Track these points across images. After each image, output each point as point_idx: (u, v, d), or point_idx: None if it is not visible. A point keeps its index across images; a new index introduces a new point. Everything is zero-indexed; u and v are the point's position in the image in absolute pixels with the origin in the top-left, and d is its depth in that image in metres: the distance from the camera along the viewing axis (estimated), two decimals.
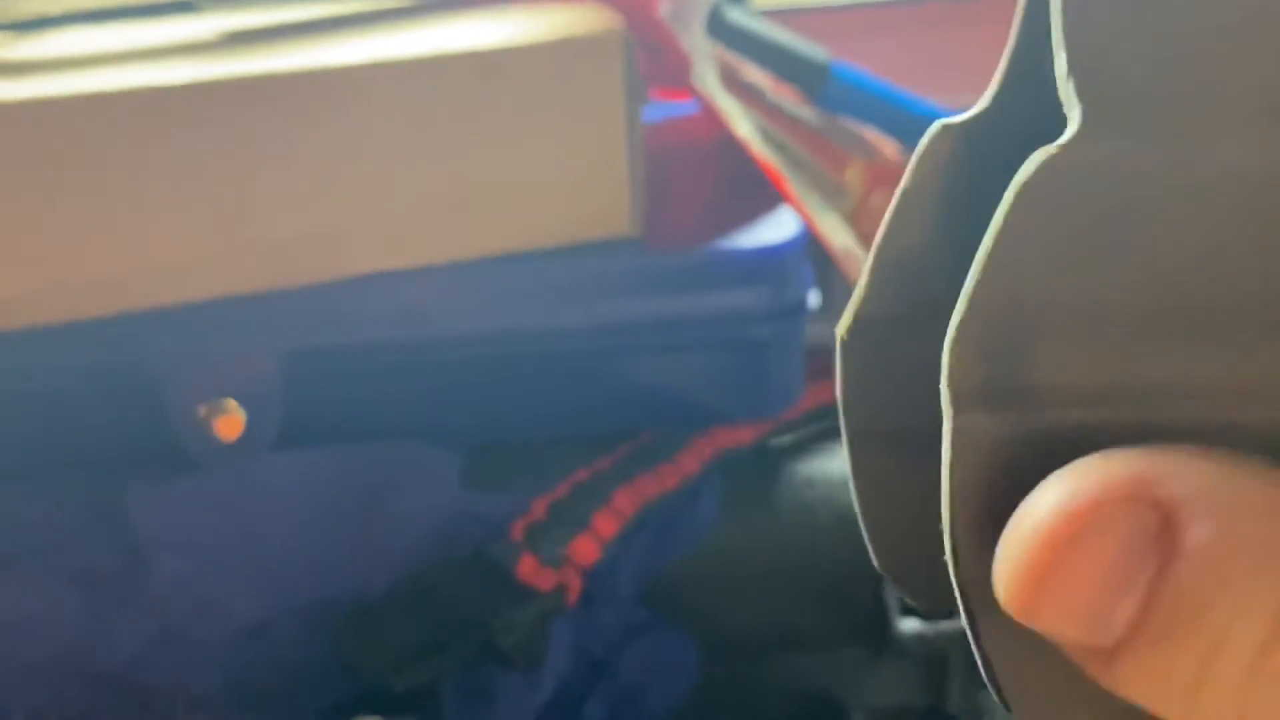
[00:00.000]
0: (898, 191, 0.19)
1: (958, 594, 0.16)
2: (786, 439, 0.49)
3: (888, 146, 0.58)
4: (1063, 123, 0.16)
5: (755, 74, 0.55)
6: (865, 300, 0.19)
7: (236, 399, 0.42)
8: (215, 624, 0.41)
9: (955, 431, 0.15)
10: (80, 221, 0.39)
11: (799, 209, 0.48)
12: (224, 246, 0.41)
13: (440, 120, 0.41)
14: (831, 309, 0.51)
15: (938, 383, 0.16)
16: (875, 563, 0.21)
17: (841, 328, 0.19)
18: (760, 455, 0.48)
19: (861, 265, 0.54)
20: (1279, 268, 0.15)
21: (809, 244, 0.48)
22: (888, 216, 0.19)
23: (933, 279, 0.19)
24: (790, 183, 0.49)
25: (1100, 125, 0.15)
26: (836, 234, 0.51)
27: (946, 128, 0.19)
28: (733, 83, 0.54)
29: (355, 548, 0.42)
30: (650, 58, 0.48)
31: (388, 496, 0.42)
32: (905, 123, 0.58)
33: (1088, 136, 0.15)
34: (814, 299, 0.47)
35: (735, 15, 0.55)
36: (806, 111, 0.56)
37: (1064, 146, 0.15)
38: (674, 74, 0.48)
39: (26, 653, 0.40)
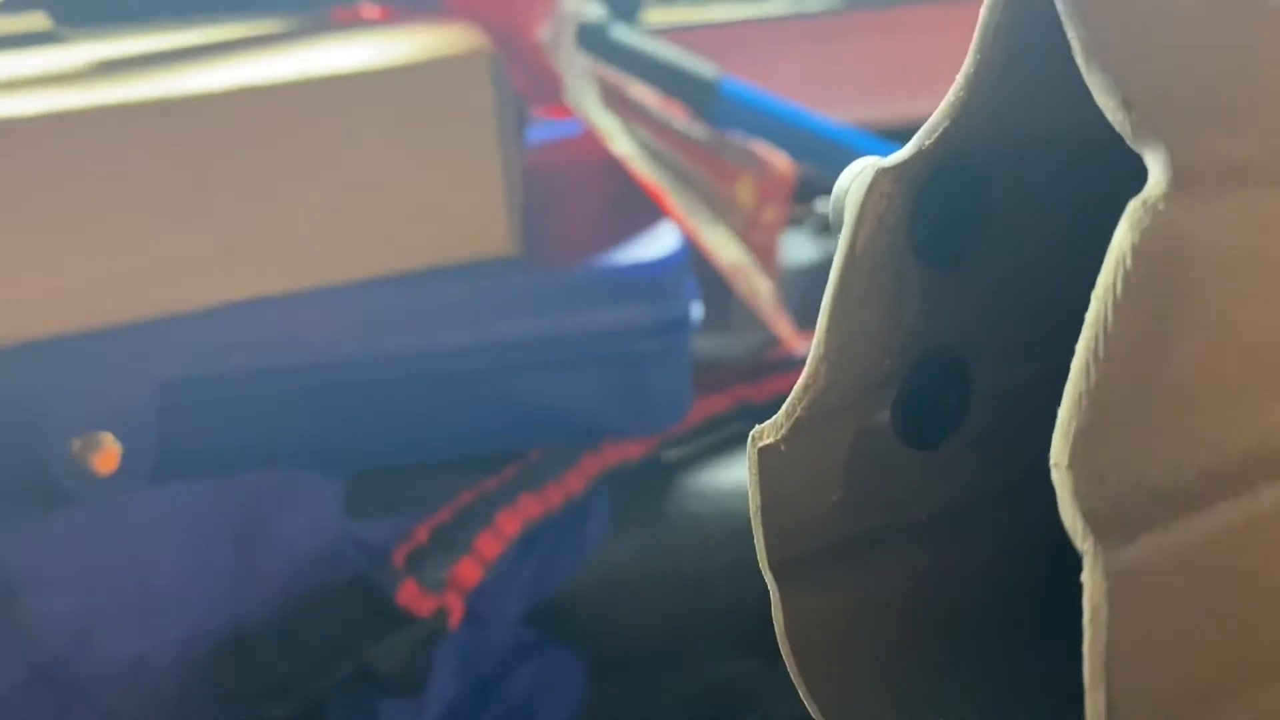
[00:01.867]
0: (840, 256, 0.16)
1: None
2: (676, 453, 0.49)
3: (778, 160, 0.59)
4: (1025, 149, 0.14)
5: (642, 91, 0.56)
6: (819, 393, 0.16)
7: (111, 431, 0.42)
8: (92, 661, 0.40)
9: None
10: None
11: (683, 224, 0.48)
12: (95, 277, 0.41)
13: (311, 144, 0.41)
14: (719, 323, 0.51)
15: (898, 479, 0.14)
16: (814, 708, 0.18)
17: (773, 433, 0.16)
18: (650, 470, 0.48)
19: (752, 281, 0.53)
20: None
21: (694, 259, 0.48)
22: (835, 286, 0.16)
23: (885, 355, 0.16)
24: (677, 198, 0.50)
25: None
26: (726, 249, 0.51)
27: (883, 171, 0.16)
28: (619, 101, 0.54)
29: (234, 579, 0.41)
30: (531, 78, 0.48)
31: (267, 527, 0.42)
32: (796, 137, 0.59)
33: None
34: (698, 313, 0.47)
35: (621, 34, 0.56)
36: (695, 128, 0.56)
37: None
38: (557, 93, 0.49)
39: None
